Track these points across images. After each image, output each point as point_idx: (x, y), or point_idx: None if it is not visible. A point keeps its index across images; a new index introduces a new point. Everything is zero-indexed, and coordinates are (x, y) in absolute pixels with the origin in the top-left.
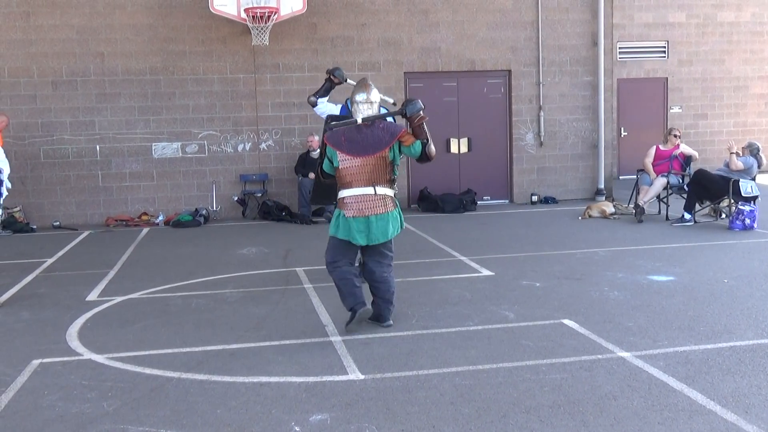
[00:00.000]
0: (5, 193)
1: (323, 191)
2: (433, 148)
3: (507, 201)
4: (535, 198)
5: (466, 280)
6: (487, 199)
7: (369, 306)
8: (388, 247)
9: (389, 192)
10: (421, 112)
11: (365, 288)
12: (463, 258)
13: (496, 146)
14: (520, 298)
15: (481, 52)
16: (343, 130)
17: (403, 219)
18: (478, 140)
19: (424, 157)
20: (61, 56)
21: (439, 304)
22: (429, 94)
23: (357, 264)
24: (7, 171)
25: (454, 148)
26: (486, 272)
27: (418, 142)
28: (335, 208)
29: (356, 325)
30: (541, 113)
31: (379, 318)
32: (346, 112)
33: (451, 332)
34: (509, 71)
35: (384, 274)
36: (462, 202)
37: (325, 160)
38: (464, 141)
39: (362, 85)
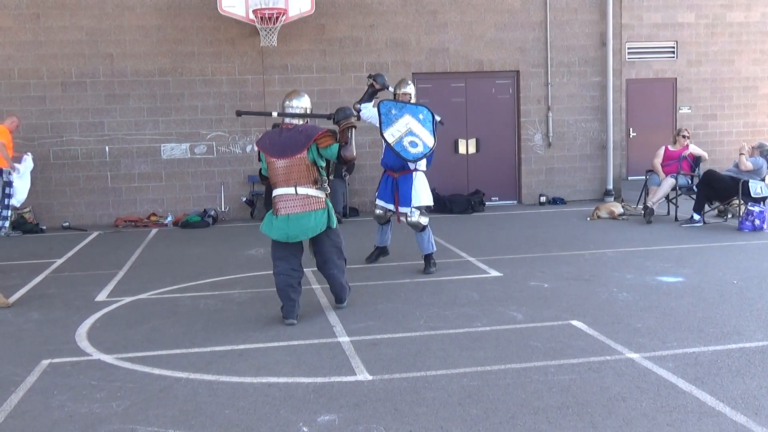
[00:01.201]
0: (15, 195)
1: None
2: (350, 152)
3: (515, 202)
4: (543, 199)
5: (475, 281)
6: (496, 200)
7: (295, 322)
8: (327, 242)
9: (312, 192)
10: (352, 119)
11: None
12: (471, 259)
13: (504, 147)
14: (528, 299)
15: (490, 52)
16: (269, 134)
17: (333, 219)
18: (486, 141)
19: (340, 159)
20: (71, 58)
21: (447, 305)
22: (437, 95)
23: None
24: (28, 169)
25: (462, 149)
26: (494, 273)
27: (335, 145)
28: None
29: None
30: (550, 114)
31: (337, 300)
32: (384, 110)
33: (459, 333)
34: (517, 72)
35: (331, 271)
36: (470, 203)
37: (261, 163)
38: (472, 142)
39: (290, 92)
